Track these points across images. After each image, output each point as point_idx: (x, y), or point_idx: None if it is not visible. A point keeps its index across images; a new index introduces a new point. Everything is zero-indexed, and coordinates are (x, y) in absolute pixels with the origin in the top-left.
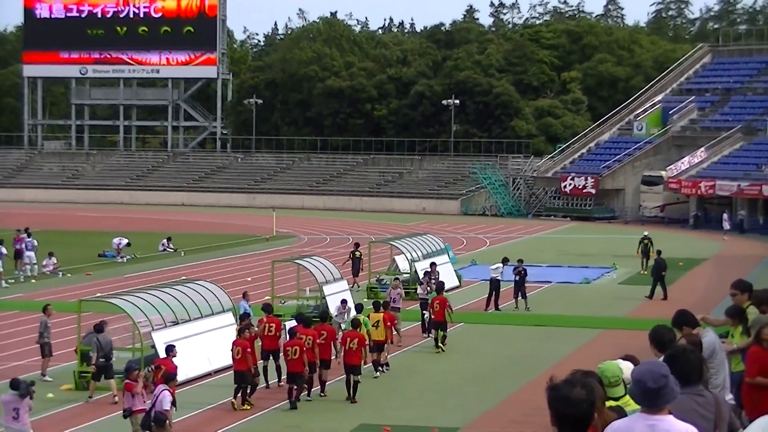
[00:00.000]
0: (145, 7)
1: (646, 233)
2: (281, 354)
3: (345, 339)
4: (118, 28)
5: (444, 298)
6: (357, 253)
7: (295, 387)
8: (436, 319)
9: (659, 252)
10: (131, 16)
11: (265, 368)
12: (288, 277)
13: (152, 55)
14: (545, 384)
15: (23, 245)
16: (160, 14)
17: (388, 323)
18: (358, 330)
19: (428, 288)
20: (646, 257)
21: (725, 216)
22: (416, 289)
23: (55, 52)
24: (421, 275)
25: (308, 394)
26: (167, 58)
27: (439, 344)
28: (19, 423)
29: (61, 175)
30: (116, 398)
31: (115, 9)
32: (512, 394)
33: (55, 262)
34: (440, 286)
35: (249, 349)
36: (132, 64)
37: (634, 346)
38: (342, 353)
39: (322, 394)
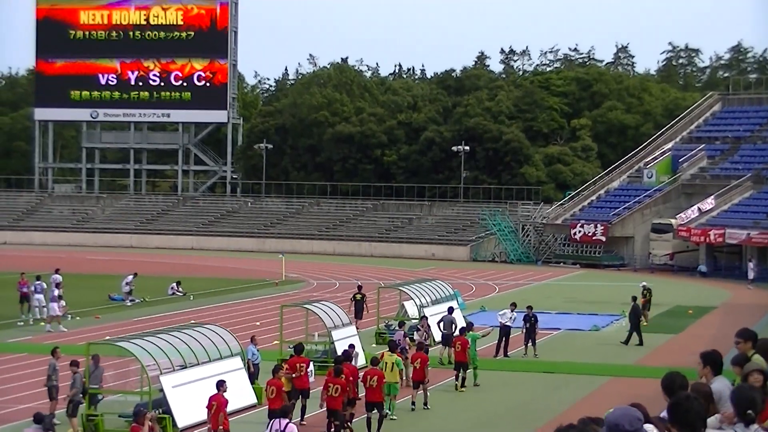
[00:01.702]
0: (159, 72)
1: (644, 284)
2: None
3: (366, 377)
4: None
5: (465, 339)
6: (358, 296)
7: (336, 421)
8: (458, 359)
9: (634, 298)
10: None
11: (293, 405)
12: (297, 321)
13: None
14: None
15: (31, 288)
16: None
17: (423, 363)
18: (378, 367)
19: (425, 334)
20: (647, 308)
21: (750, 264)
22: (412, 335)
23: (66, 96)
24: (434, 321)
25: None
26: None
27: (463, 385)
28: None
29: (71, 218)
30: None
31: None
32: None
33: (64, 304)
34: (469, 326)
35: (283, 388)
36: (142, 108)
37: (643, 394)
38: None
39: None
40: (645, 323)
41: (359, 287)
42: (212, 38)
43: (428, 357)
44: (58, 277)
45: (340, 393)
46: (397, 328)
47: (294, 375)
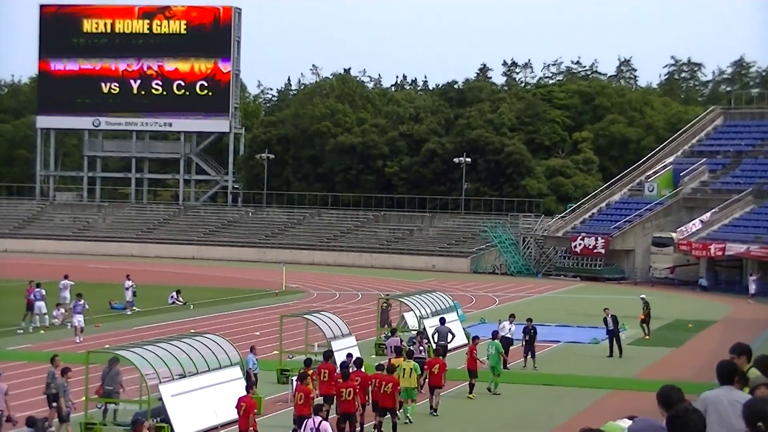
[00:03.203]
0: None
1: (643, 296)
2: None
3: (381, 383)
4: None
5: (473, 347)
6: (383, 305)
7: (349, 423)
8: (470, 367)
9: (605, 309)
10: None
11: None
12: (297, 331)
13: (165, 114)
14: None
15: (33, 296)
16: (174, 73)
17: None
18: (394, 374)
19: (421, 348)
20: (647, 322)
21: (751, 278)
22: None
23: (68, 104)
24: (430, 332)
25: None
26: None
27: (471, 392)
28: None
29: (72, 227)
30: None
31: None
32: None
33: (63, 312)
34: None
35: (311, 395)
36: (145, 116)
37: (642, 407)
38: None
39: None
40: (646, 337)
41: (387, 297)
42: (215, 47)
43: (446, 363)
44: (70, 283)
45: (353, 396)
46: (390, 335)
47: (321, 379)
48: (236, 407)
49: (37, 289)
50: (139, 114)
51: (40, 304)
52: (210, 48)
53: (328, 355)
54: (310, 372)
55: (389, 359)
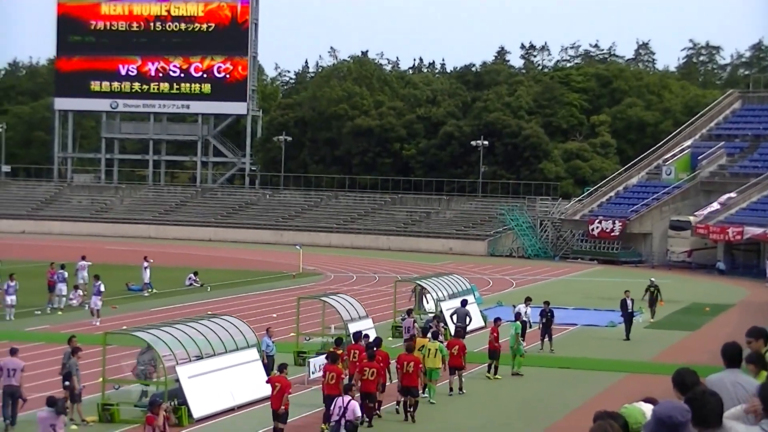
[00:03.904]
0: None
1: (653, 279)
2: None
3: (402, 362)
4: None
5: (495, 328)
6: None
7: (370, 404)
8: (491, 348)
9: (626, 291)
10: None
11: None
12: (313, 314)
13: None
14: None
15: (56, 277)
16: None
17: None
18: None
19: (437, 331)
20: (653, 305)
21: None
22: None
23: (86, 86)
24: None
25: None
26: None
27: (496, 374)
28: None
29: (89, 209)
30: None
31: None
32: None
33: (81, 294)
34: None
35: (342, 375)
36: (162, 98)
37: (658, 390)
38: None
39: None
40: (651, 319)
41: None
42: (233, 31)
43: (465, 344)
44: (87, 263)
45: (375, 377)
46: (406, 316)
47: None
48: (270, 385)
49: (60, 271)
50: (157, 98)
51: (62, 286)
52: (228, 34)
53: (358, 335)
54: (340, 352)
55: (410, 339)
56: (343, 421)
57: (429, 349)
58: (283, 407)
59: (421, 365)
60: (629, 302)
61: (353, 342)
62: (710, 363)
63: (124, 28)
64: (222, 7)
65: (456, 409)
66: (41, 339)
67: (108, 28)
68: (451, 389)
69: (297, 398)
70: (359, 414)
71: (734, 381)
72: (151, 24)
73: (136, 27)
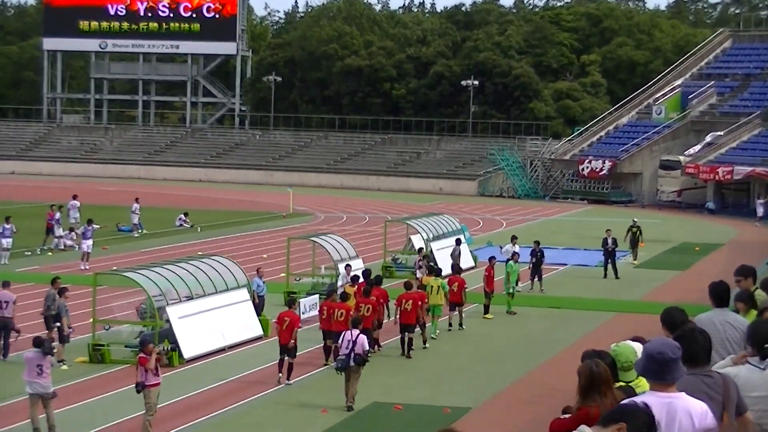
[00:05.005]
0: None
1: (635, 220)
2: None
3: (400, 300)
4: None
5: (490, 268)
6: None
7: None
8: (487, 288)
9: (607, 230)
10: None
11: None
12: (304, 254)
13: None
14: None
15: (55, 219)
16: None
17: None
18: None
19: (425, 269)
20: (635, 247)
21: (759, 201)
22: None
23: (75, 26)
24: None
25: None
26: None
27: (486, 313)
28: (44, 378)
29: (79, 149)
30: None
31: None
32: (524, 375)
33: (74, 237)
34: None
35: (351, 312)
36: (151, 38)
37: (649, 329)
38: (397, 314)
39: (379, 348)
40: (634, 261)
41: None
42: None
43: (465, 281)
44: (78, 204)
45: (371, 313)
46: (403, 262)
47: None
48: (278, 322)
49: (59, 213)
50: (146, 37)
51: (57, 228)
52: None
53: (367, 274)
54: (353, 290)
55: (423, 278)
56: (352, 354)
57: (432, 286)
58: (292, 341)
59: (419, 303)
60: (610, 240)
61: (352, 283)
62: (700, 302)
63: None
64: None
65: (450, 346)
66: (31, 279)
67: None
68: (450, 324)
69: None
70: (367, 347)
71: (723, 320)
72: None
73: None
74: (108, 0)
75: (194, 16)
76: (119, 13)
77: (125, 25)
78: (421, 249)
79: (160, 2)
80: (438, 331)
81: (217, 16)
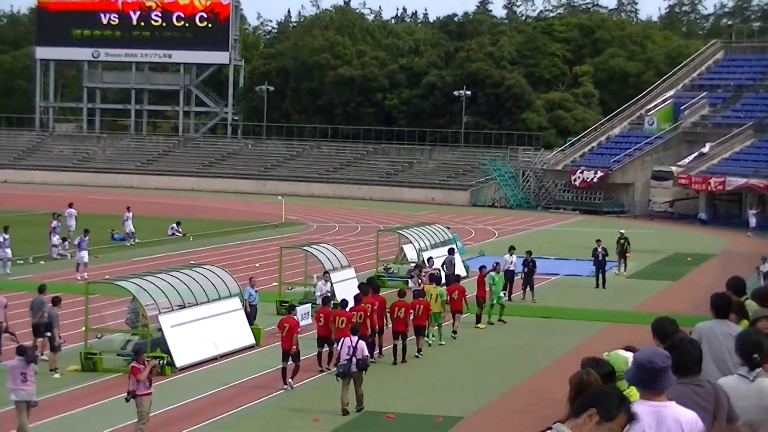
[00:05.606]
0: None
1: (622, 232)
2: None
3: (393, 308)
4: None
5: (482, 276)
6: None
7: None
8: (478, 295)
9: (597, 241)
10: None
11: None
12: (296, 263)
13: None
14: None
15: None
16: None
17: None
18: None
19: (419, 281)
20: (623, 257)
21: (751, 212)
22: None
23: (68, 35)
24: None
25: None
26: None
27: (478, 323)
28: (28, 385)
29: (71, 158)
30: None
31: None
32: (516, 384)
33: (67, 246)
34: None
35: (353, 320)
36: (144, 47)
37: (640, 339)
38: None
39: (380, 355)
40: (623, 272)
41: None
42: None
43: (465, 289)
44: (74, 212)
45: (363, 320)
46: (395, 272)
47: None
48: (278, 327)
49: (56, 222)
50: (139, 46)
51: (54, 237)
52: None
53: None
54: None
55: (424, 286)
56: (354, 360)
57: (432, 294)
58: (294, 347)
59: (410, 312)
60: (600, 250)
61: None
62: (691, 312)
63: None
64: None
65: (442, 355)
66: (25, 288)
67: None
68: (454, 331)
69: (278, 349)
70: (367, 353)
71: (725, 332)
72: None
73: None
74: (101, 6)
75: (187, 25)
76: (112, 21)
77: (118, 33)
78: (430, 258)
79: (153, 11)
80: (434, 338)
81: (209, 25)
